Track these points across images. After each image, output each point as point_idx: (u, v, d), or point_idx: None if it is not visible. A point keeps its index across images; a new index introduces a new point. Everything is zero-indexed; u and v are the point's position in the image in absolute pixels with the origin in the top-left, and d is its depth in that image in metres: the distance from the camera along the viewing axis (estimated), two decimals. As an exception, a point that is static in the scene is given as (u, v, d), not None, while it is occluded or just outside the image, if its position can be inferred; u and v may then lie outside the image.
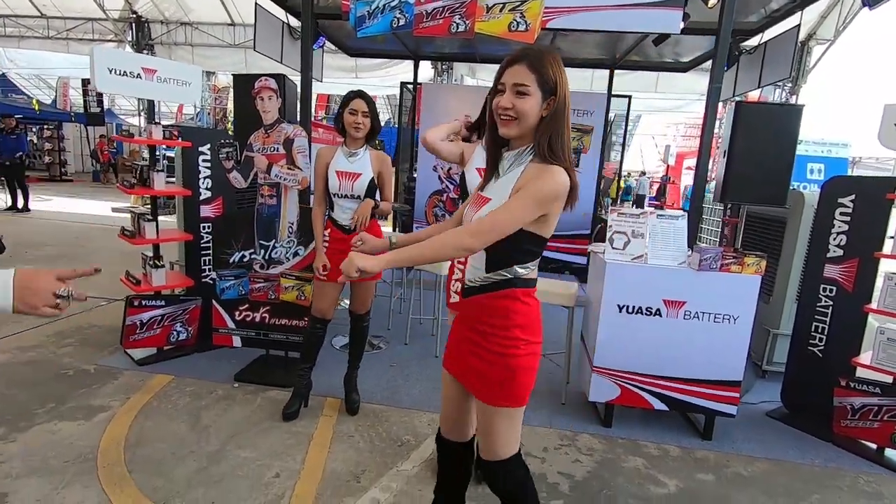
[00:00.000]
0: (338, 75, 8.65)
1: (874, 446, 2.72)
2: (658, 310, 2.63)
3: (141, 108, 11.95)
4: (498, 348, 1.39)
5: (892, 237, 2.66)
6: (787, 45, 4.22)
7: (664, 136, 20.63)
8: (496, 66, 1.36)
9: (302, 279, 3.03)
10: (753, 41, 4.91)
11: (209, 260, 3.44)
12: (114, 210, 9.50)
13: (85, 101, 14.12)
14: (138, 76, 2.86)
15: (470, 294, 1.44)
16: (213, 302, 3.13)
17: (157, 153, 3.20)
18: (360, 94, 2.41)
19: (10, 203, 9.03)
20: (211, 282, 3.36)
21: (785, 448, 2.70)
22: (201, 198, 3.33)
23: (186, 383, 2.93)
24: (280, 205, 2.96)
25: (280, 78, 3.05)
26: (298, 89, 3.71)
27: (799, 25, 4.13)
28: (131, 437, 2.36)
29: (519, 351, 1.38)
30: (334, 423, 2.61)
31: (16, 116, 9.69)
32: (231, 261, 3.06)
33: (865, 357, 2.71)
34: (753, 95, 7.30)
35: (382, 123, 3.19)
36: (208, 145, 3.28)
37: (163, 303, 3.21)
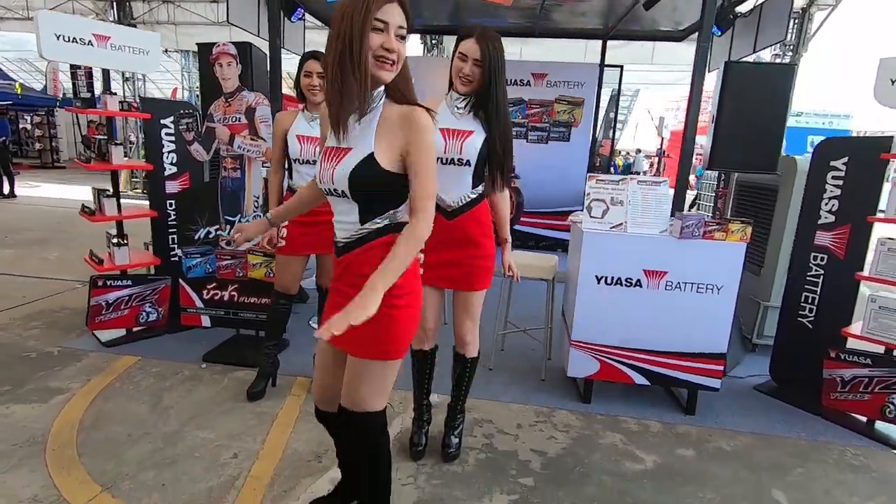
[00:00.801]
0: (319, 39, 8.39)
1: (864, 419, 2.62)
2: (638, 280, 2.51)
3: (131, 91, 11.74)
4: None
5: (881, 210, 2.52)
6: (782, 6, 4.01)
7: (665, 112, 20.28)
8: None
9: (270, 256, 2.90)
10: (748, 4, 4.68)
11: (176, 238, 3.32)
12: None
13: (75, 86, 13.89)
14: (89, 43, 2.70)
15: (344, 252, 1.34)
16: (181, 280, 3.02)
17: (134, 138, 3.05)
18: (313, 55, 2.29)
19: (-4, 189, 8.91)
20: (178, 260, 3.26)
21: (771, 422, 2.60)
22: (166, 173, 3.19)
23: (152, 364, 2.84)
24: (244, 178, 2.83)
25: (243, 46, 2.89)
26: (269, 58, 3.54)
27: (795, -17, 3.91)
28: (86, 420, 2.27)
29: (397, 301, 1.29)
30: (301, 403, 2.51)
31: (1, 102, 9.50)
32: (196, 238, 2.95)
33: (856, 327, 2.59)
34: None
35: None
36: (171, 117, 3.13)
37: (129, 283, 3.11)
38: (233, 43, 2.82)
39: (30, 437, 2.13)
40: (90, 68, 2.93)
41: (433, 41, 8.62)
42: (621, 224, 2.53)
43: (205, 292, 3.02)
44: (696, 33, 5.67)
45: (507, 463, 2.13)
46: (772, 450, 2.36)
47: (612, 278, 2.52)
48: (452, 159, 1.86)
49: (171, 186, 3.22)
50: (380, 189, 1.27)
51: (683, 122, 3.30)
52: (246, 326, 3.06)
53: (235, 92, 2.76)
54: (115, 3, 9.12)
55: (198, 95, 12.81)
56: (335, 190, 1.29)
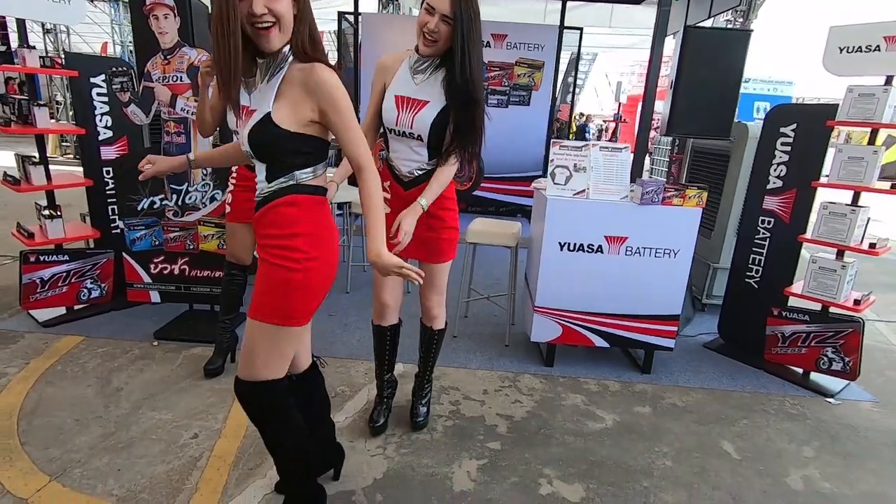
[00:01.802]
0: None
1: (800, 371, 2.82)
2: (600, 246, 2.55)
3: (54, 46, 10.61)
4: (277, 260, 1.29)
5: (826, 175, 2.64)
6: (738, -30, 4.03)
7: (621, 75, 20.43)
8: None
9: (223, 226, 2.75)
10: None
11: (116, 210, 3.08)
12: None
13: (-15, 39, 12.44)
14: (-2, -13, 2.38)
15: (258, 208, 1.35)
16: (125, 255, 2.82)
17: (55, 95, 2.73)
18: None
19: None
20: (120, 232, 3.03)
21: (719, 377, 2.76)
22: (100, 137, 2.92)
23: (98, 344, 2.67)
24: (190, 143, 2.63)
25: (179, -6, 2.62)
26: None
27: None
28: (27, 406, 2.12)
29: (296, 265, 1.28)
30: (263, 378, 2.44)
31: None
32: (139, 208, 2.74)
33: (797, 286, 2.75)
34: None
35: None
36: (102, 76, 2.84)
37: (66, 258, 2.88)
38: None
39: (-37, 427, 1.97)
40: (3, 18, 2.60)
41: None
42: (584, 191, 2.54)
43: (152, 266, 2.84)
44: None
45: (475, 428, 2.16)
46: (719, 403, 2.51)
47: (575, 245, 2.55)
48: (403, 132, 1.72)
49: (108, 152, 2.96)
50: (280, 149, 1.26)
51: (642, 87, 3.33)
52: (199, 301, 2.92)
53: (175, 48, 2.52)
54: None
55: (132, 52, 11.77)
56: (246, 150, 1.31)
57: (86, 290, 3.00)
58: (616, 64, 20.19)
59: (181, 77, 2.55)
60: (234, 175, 2.32)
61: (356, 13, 6.23)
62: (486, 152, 6.06)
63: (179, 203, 2.72)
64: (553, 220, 2.52)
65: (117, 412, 2.12)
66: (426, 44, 1.62)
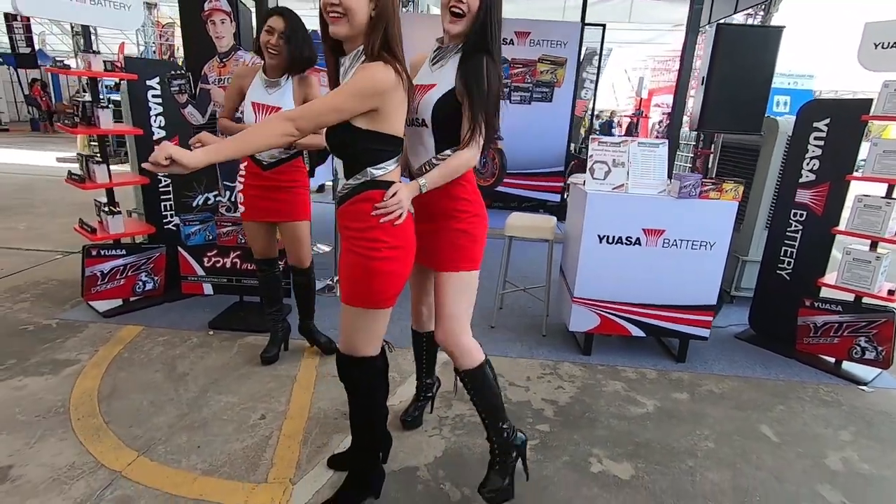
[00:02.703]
0: (297, 6, 7.97)
1: (833, 360, 2.89)
2: (638, 239, 2.63)
3: (77, 46, 10.89)
4: (360, 250, 1.41)
5: (862, 161, 2.70)
6: (766, -34, 4.07)
7: (636, 71, 20.30)
8: None
9: (272, 221, 2.88)
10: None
11: (170, 205, 3.23)
12: (59, 160, 8.81)
13: (11, 40, 12.75)
14: (67, -4, 2.52)
15: (340, 203, 1.47)
16: (180, 249, 2.97)
17: (103, 95, 2.88)
18: (279, 12, 2.10)
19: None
20: (174, 228, 3.19)
21: (752, 366, 2.84)
22: (155, 137, 3.07)
23: (158, 333, 2.82)
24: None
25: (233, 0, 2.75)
26: (254, 17, 3.38)
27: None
28: (104, 389, 2.27)
29: (378, 254, 1.40)
30: (317, 365, 2.58)
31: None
32: (194, 204, 2.88)
33: (830, 277, 2.82)
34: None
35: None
36: (157, 78, 2.98)
37: (123, 252, 3.03)
38: (224, -2, 2.69)
39: (49, 408, 2.12)
40: (28, 20, 2.74)
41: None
42: (622, 185, 2.63)
43: (205, 260, 2.98)
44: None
45: (523, 412, 2.27)
46: (755, 391, 2.59)
47: (613, 237, 2.64)
48: (414, 119, 1.56)
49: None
50: (352, 147, 1.36)
51: (658, 82, 3.41)
52: (249, 293, 3.06)
53: (230, 52, 2.65)
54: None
55: (154, 52, 12.02)
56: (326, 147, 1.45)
57: (140, 283, 3.15)
58: (630, 59, 20.07)
59: (236, 79, 2.67)
60: (243, 172, 2.30)
61: None
62: (509, 148, 6.14)
63: (232, 199, 2.86)
64: (592, 214, 2.62)
65: (187, 395, 2.26)
66: (453, 20, 1.48)
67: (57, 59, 15.52)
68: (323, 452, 1.94)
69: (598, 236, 2.64)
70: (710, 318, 2.75)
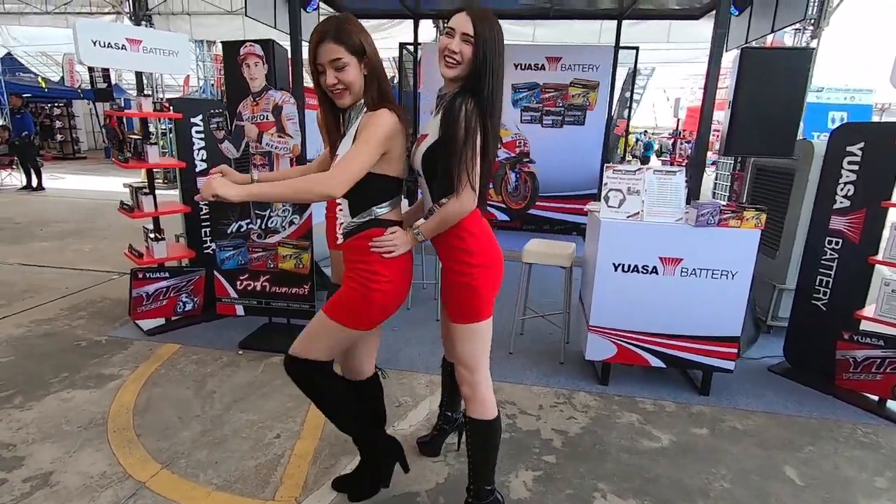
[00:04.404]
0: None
1: (875, 398, 2.70)
2: (654, 267, 2.59)
3: (141, 85, 11.91)
4: (360, 279, 1.53)
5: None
6: (802, -16, 3.95)
7: (680, 90, 19.85)
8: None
9: (299, 247, 3.05)
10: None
11: (209, 231, 3.48)
12: (125, 186, 9.62)
13: (91, 77, 14.07)
14: (123, 47, 2.83)
15: (345, 238, 1.59)
16: (215, 272, 3.18)
17: (164, 128, 3.18)
18: None
19: (24, 182, 9.20)
20: (212, 252, 3.42)
21: (784, 402, 2.70)
22: (197, 169, 3.34)
23: (193, 351, 3.02)
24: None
25: (267, 43, 2.98)
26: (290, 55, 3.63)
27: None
28: (140, 403, 2.47)
29: (376, 284, 1.52)
30: (335, 386, 2.68)
31: (24, 95, 9.74)
32: (229, 231, 3.09)
33: (869, 310, 2.66)
34: (769, 42, 6.92)
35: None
36: (200, 116, 3.26)
37: (167, 275, 3.28)
38: (256, 41, 2.92)
39: (90, 419, 2.33)
40: None
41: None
42: (638, 213, 2.61)
43: (238, 283, 3.18)
44: (714, 8, 5.63)
45: (531, 441, 2.27)
46: (783, 428, 2.46)
47: (629, 266, 2.62)
48: (414, 170, 1.60)
49: (202, 182, 3.36)
50: (357, 187, 1.42)
51: (700, 101, 3.34)
52: (277, 315, 3.23)
53: (262, 91, 2.86)
54: (130, -5, 9.21)
55: (212, 85, 12.95)
56: None
57: (181, 304, 3.40)
58: (673, 77, 19.64)
59: (267, 116, 2.88)
60: (343, 206, 2.53)
61: (415, 43, 6.66)
62: (541, 171, 6.15)
63: (263, 227, 3.05)
64: (607, 242, 2.61)
65: (212, 412, 2.41)
66: (448, 65, 1.49)
67: (128, 93, 16.97)
68: (330, 473, 2.02)
69: (614, 264, 2.62)
70: (735, 350, 2.64)
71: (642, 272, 2.61)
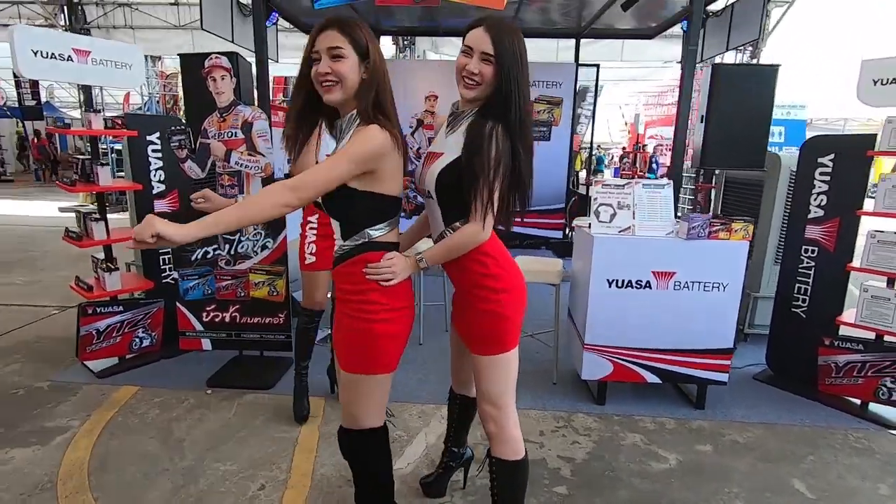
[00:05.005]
0: (293, 55, 8.20)
1: (858, 402, 2.76)
2: (648, 282, 2.56)
3: (80, 102, 11.16)
4: (356, 314, 1.36)
5: (872, 195, 2.66)
6: (754, 7, 4.17)
7: (627, 106, 20.76)
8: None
9: (273, 273, 2.82)
10: (720, 3, 4.85)
11: (169, 259, 3.18)
12: (61, 210, 8.86)
13: (18, 94, 13.07)
14: (69, 59, 2.55)
15: (336, 265, 1.42)
16: (178, 304, 2.89)
17: (104, 146, 2.88)
18: None
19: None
20: (173, 282, 3.13)
21: (776, 411, 2.71)
22: (154, 192, 3.05)
23: (154, 393, 2.71)
24: (243, 195, 2.73)
25: (233, 56, 2.78)
26: (254, 70, 3.42)
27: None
28: (95, 460, 2.15)
29: (375, 316, 1.34)
30: (319, 424, 2.46)
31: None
32: (193, 258, 2.82)
33: (849, 315, 2.73)
34: (718, 60, 7.31)
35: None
36: (157, 133, 2.99)
37: (120, 308, 2.96)
38: (223, 53, 2.71)
39: (36, 483, 2.00)
40: None
41: (405, 42, 8.54)
42: (629, 228, 2.57)
43: (204, 314, 2.90)
44: (667, 28, 5.88)
45: (539, 472, 2.14)
46: (781, 439, 2.46)
47: (623, 281, 2.57)
48: (423, 191, 1.49)
49: (160, 206, 3.08)
50: (350, 208, 1.32)
51: (650, 115, 3.41)
52: (249, 347, 2.97)
53: (230, 106, 2.66)
54: (65, 7, 8.62)
55: (157, 102, 12.30)
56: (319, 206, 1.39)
57: (137, 340, 3.07)
58: (621, 94, 20.54)
59: (236, 133, 2.67)
60: (314, 223, 2.36)
61: None
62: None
63: (232, 252, 2.81)
64: (600, 258, 2.55)
65: (182, 464, 2.14)
66: (467, 86, 1.39)
67: (60, 111, 15.89)
68: (327, 527, 1.81)
69: (608, 280, 2.57)
70: (728, 362, 2.64)
71: (636, 287, 2.57)
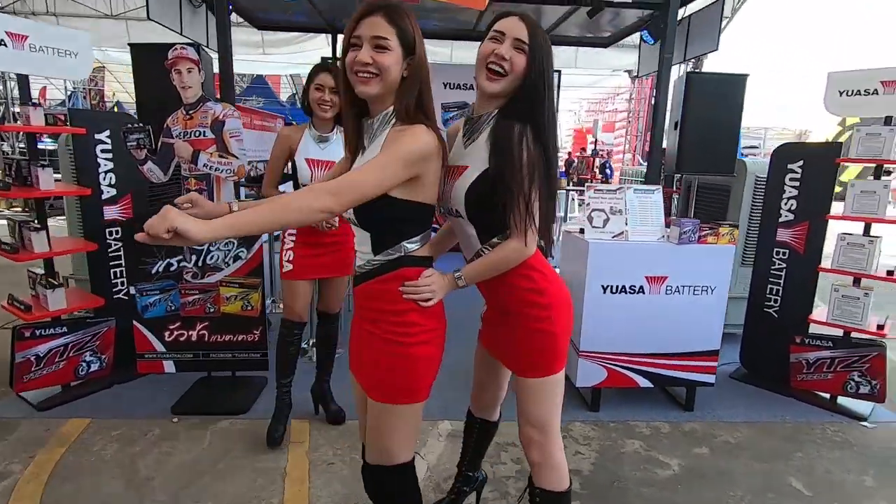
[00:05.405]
0: (242, 51, 7.73)
1: (828, 396, 2.91)
2: (641, 287, 2.56)
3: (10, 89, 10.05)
4: (392, 336, 1.22)
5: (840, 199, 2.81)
6: (712, 18, 4.35)
7: (569, 112, 21.47)
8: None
9: (247, 286, 2.58)
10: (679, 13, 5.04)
11: (121, 272, 2.84)
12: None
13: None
14: (2, 43, 2.20)
15: (360, 281, 1.27)
16: (135, 323, 2.58)
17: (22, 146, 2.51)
18: (325, 68, 2.10)
19: None
20: (126, 298, 2.80)
21: (757, 409, 2.80)
22: (104, 196, 2.71)
23: (110, 425, 2.39)
24: (213, 200, 2.47)
25: (197, 48, 2.52)
26: (215, 65, 3.15)
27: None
28: (47, 510, 1.85)
29: (415, 338, 1.22)
30: (307, 451, 2.26)
31: None
32: (154, 271, 2.53)
33: (821, 314, 2.87)
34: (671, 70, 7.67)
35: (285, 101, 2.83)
36: (108, 131, 2.66)
37: (64, 329, 2.59)
38: (189, 44, 2.45)
39: (-26, 545, 1.68)
40: None
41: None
42: (622, 233, 2.57)
43: (167, 333, 2.61)
44: (623, 37, 6.07)
45: (549, 488, 2.06)
46: (769, 437, 2.53)
47: (617, 287, 2.56)
48: (450, 209, 1.34)
49: (111, 212, 2.74)
50: (385, 217, 1.18)
51: (591, 122, 3.46)
52: (219, 368, 2.70)
53: (198, 103, 2.40)
54: (-28, -11, 7.67)
55: (83, 97, 11.28)
56: (349, 217, 1.23)
57: (84, 364, 2.71)
58: (566, 101, 21.21)
59: (204, 132, 2.42)
60: (293, 232, 2.23)
61: (335, 58, 6.36)
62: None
63: (199, 264, 2.54)
64: (595, 264, 2.52)
65: (156, 508, 1.88)
66: (492, 77, 1.24)
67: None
68: (335, 569, 1.63)
69: (602, 286, 2.55)
70: (715, 364, 2.69)
71: (629, 292, 2.57)
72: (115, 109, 11.88)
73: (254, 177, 3.60)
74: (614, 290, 2.56)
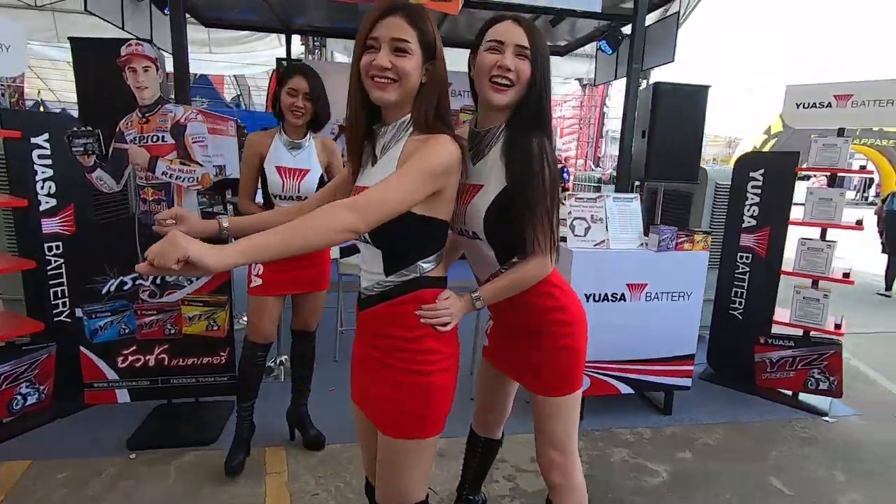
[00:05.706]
0: (194, 50, 7.31)
1: (790, 393, 3.05)
2: (623, 294, 2.58)
3: None
4: (406, 364, 1.13)
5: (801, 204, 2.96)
6: (668, 30, 4.51)
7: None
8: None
9: (213, 304, 2.37)
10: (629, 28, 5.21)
11: (62, 291, 2.54)
12: None
13: None
14: (-83, 33, 1.90)
15: (368, 305, 1.17)
16: (82, 348, 2.31)
17: None
18: (301, 71, 1.96)
19: None
20: (69, 321, 2.51)
21: (731, 410, 2.89)
22: (42, 208, 2.41)
23: (56, 467, 2.11)
24: (172, 212, 2.25)
25: (151, 44, 2.30)
26: (169, 64, 2.89)
27: (678, 12, 4.45)
28: (-15, 575, 1.59)
29: (435, 366, 1.13)
30: (286, 482, 2.09)
31: None
32: (105, 291, 2.27)
33: (784, 315, 3.01)
34: (616, 82, 7.95)
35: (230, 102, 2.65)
36: (45, 135, 2.37)
37: (-4, 359, 2.28)
38: (143, 40, 2.23)
39: None
40: None
41: (315, 43, 8.04)
42: (603, 241, 2.57)
43: (120, 359, 2.35)
44: (579, 47, 6.23)
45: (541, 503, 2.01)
46: (744, 437, 2.62)
47: (600, 295, 2.56)
48: (464, 231, 1.28)
49: (49, 225, 2.45)
50: (401, 234, 1.08)
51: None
52: (180, 395, 2.46)
53: (156, 105, 2.18)
54: None
55: (2, 95, 10.24)
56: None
57: (19, 398, 2.40)
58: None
59: (163, 137, 2.20)
60: None
61: (289, 59, 6.16)
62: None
63: (158, 282, 2.31)
64: (579, 272, 2.51)
65: (119, 561, 1.66)
66: (499, 88, 1.17)
67: None
68: None
69: (585, 295, 2.54)
70: (692, 367, 2.75)
71: (611, 300, 2.58)
72: (42, 109, 10.90)
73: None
74: (597, 299, 2.56)
